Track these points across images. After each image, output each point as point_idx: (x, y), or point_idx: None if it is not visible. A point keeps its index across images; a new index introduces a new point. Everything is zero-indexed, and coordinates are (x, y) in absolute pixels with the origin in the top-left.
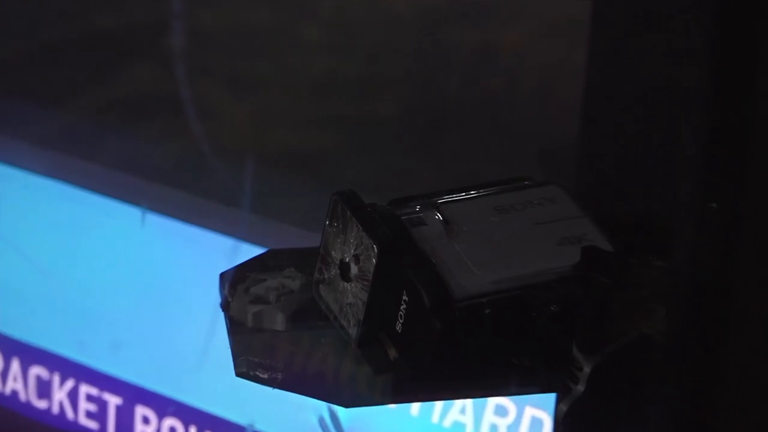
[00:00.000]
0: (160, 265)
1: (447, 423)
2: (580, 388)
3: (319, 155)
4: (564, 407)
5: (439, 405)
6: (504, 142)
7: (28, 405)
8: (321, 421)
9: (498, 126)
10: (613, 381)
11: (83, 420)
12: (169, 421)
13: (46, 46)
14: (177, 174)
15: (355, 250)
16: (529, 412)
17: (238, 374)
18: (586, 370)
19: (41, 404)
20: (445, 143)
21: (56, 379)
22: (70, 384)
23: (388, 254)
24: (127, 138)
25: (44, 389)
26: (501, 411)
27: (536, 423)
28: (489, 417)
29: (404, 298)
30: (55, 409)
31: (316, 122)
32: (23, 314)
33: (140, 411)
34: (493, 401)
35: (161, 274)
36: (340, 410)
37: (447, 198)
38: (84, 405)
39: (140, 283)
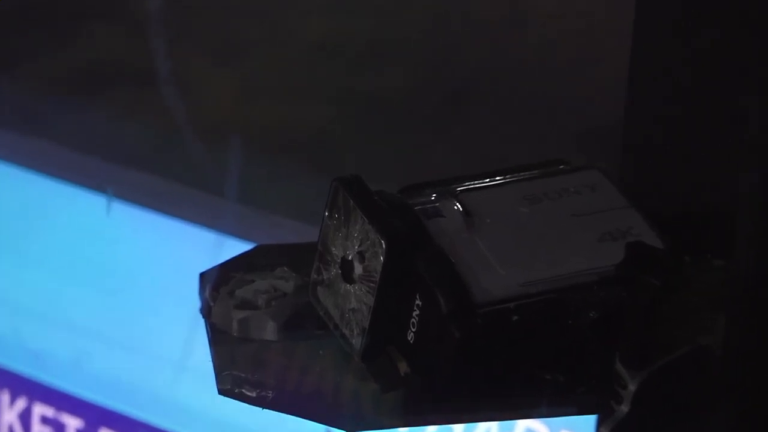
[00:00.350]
0: (130, 263)
1: None
2: (624, 408)
3: (318, 134)
4: (605, 431)
5: (458, 429)
6: (536, 120)
7: None
8: None
9: (530, 101)
10: (662, 400)
11: None
12: None
13: None
14: (149, 156)
15: (359, 246)
16: None
17: (222, 392)
18: (631, 387)
19: None
20: (467, 120)
21: (5, 398)
22: (21, 404)
23: (399, 251)
24: (88, 113)
25: None
26: None
27: None
28: None
29: (417, 302)
30: None
31: (313, 95)
32: None
33: None
34: (522, 424)
35: (131, 273)
36: None
37: (468, 185)
38: (38, 429)
39: (106, 285)
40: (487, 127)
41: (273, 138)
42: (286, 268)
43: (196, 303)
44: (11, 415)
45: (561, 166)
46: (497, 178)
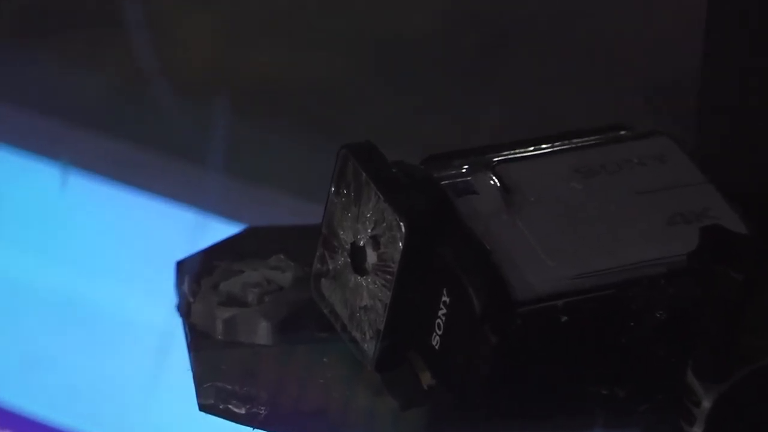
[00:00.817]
0: (90, 248)
1: None
2: (697, 430)
3: (321, 90)
4: None
5: None
6: (593, 75)
7: None
8: None
9: (585, 52)
10: (744, 421)
11: None
12: None
13: None
14: (110, 115)
15: (373, 229)
16: None
17: (203, 408)
18: (706, 404)
19: None
20: (507, 74)
21: None
22: None
23: (421, 235)
24: (36, 63)
25: None
26: None
27: None
28: None
29: (444, 299)
30: None
31: (315, 40)
32: None
33: None
34: None
35: (91, 261)
36: None
37: (508, 154)
38: None
39: (60, 274)
40: (533, 83)
41: (266, 94)
42: (282, 256)
43: (171, 298)
44: None
45: (622, 132)
46: (543, 146)
